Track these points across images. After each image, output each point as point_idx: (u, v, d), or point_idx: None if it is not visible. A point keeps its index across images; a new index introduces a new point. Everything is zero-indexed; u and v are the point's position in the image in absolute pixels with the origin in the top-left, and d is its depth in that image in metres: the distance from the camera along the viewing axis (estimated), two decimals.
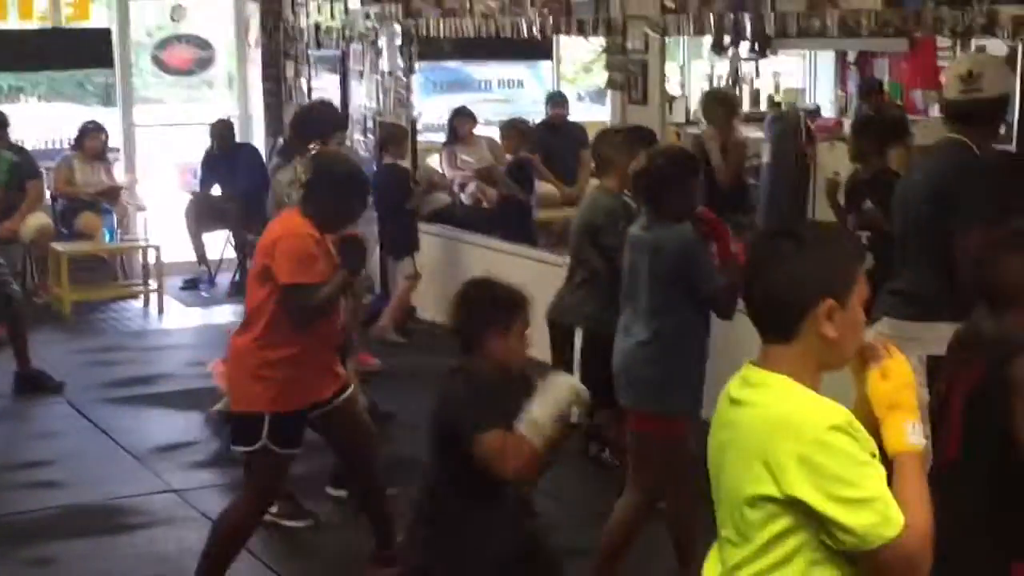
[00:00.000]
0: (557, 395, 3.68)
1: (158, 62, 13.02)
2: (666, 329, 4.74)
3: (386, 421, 6.91)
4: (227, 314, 10.78)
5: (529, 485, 3.90)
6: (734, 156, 8.08)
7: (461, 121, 11.28)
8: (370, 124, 10.91)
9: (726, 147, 8.06)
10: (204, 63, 13.11)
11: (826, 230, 2.56)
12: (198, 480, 6.66)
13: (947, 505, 3.51)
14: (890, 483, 2.36)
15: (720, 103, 8.38)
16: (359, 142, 11.05)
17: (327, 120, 6.22)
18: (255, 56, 12.67)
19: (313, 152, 5.87)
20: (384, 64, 10.88)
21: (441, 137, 11.66)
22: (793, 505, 2.31)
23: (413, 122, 10.87)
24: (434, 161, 11.58)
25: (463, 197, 10.97)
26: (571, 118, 11.65)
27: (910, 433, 2.40)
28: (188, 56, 12.92)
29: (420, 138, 11.65)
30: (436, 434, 3.73)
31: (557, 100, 11.72)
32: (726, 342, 4.85)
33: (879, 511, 2.28)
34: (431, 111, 13.07)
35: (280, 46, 12.40)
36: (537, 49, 13.51)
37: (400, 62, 10.66)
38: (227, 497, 6.33)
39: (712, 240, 4.83)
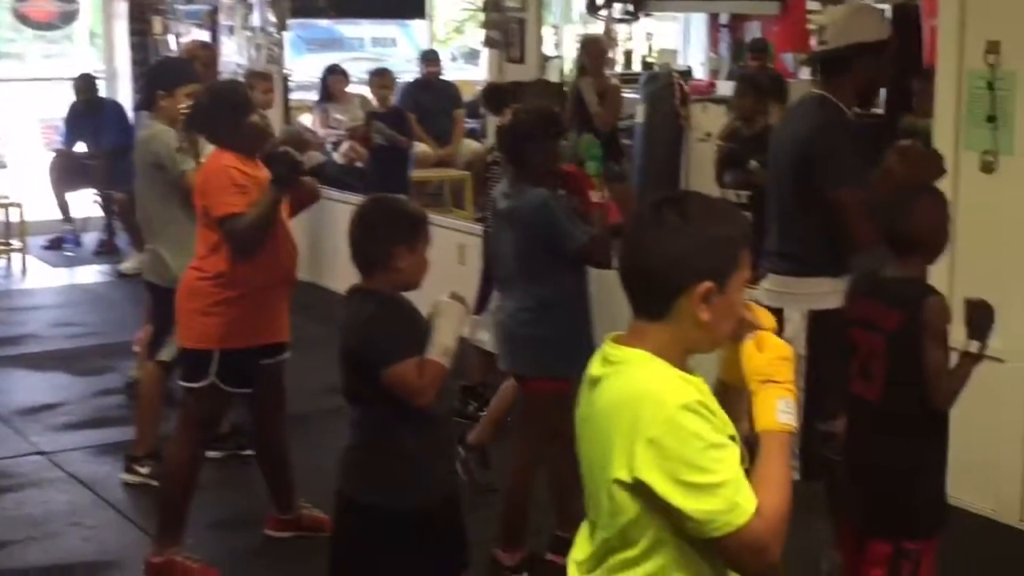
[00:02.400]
0: (457, 318, 3.67)
1: (18, 15, 12.64)
2: (543, 293, 4.71)
3: None
4: (93, 274, 10.57)
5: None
6: (611, 101, 8.09)
7: (334, 79, 11.14)
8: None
9: (603, 93, 8.06)
10: (67, 17, 12.79)
11: (715, 207, 2.35)
12: (66, 442, 6.49)
13: (875, 446, 3.69)
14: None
15: (593, 49, 8.36)
16: None
17: (174, 72, 6.02)
18: (120, 10, 12.35)
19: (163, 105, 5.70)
20: (255, 20, 10.68)
21: (313, 96, 11.51)
22: (642, 489, 2.19)
23: (285, 79, 10.69)
24: (306, 120, 11.44)
25: (336, 156, 10.84)
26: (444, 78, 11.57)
27: (781, 411, 2.26)
28: (50, 9, 12.58)
29: (292, 96, 11.50)
30: (347, 359, 3.64)
31: (430, 58, 11.63)
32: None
33: (726, 498, 2.15)
34: (303, 69, 12.89)
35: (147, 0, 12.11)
36: (410, 8, 13.41)
37: (272, 18, 10.47)
38: (97, 458, 6.22)
39: (576, 194, 4.80)
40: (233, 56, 11.02)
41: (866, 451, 3.76)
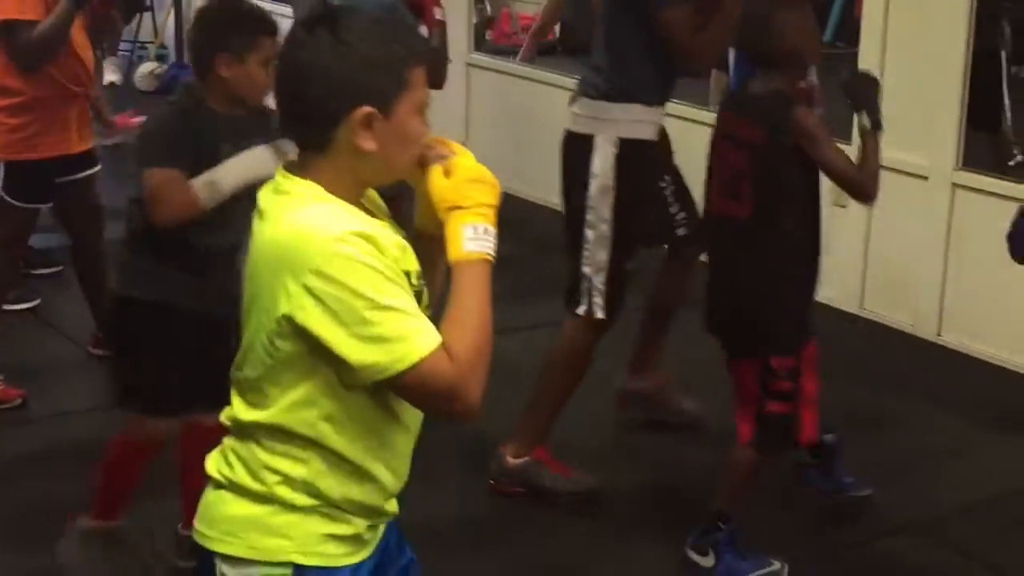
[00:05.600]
0: (253, 164, 3.23)
1: None
2: None
3: None
4: None
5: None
6: None
7: None
8: None
9: None
10: None
11: (377, 24, 2.02)
12: None
13: (740, 265, 3.61)
14: None
15: None
16: None
17: None
18: None
19: None
20: None
21: None
22: (300, 333, 1.95)
23: None
24: None
25: None
26: None
27: (468, 238, 2.00)
28: None
29: None
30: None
31: None
32: None
33: (406, 334, 1.93)
34: None
35: None
36: None
37: None
38: None
39: (418, 12, 4.62)
40: None
41: (731, 270, 3.68)
